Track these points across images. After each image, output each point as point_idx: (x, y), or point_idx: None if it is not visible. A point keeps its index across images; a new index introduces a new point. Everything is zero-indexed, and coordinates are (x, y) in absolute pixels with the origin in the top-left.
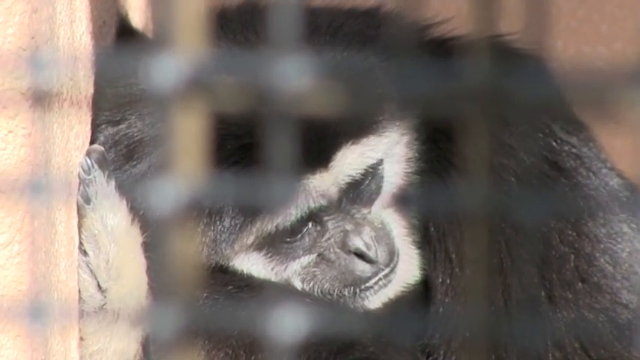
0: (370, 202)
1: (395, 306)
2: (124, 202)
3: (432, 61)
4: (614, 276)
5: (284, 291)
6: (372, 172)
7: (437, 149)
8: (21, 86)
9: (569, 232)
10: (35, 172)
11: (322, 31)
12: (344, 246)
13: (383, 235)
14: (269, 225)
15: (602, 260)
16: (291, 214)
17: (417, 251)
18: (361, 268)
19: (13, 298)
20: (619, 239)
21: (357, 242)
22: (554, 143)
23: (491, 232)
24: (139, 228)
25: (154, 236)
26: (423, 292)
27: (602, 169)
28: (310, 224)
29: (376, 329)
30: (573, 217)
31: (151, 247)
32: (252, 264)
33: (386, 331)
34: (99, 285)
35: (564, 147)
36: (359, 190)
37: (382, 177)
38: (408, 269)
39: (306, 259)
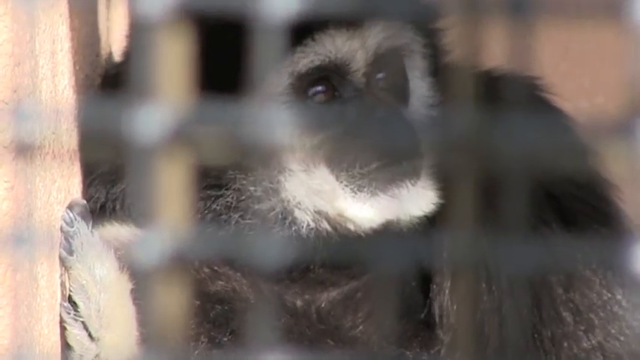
0: (396, 99)
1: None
2: (112, 250)
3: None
4: (602, 333)
5: (269, 339)
6: (397, 62)
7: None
8: (4, 139)
9: (560, 286)
10: (17, 226)
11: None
12: (371, 117)
13: (409, 125)
14: (300, 62)
15: (590, 316)
16: (319, 55)
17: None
18: (390, 138)
19: None
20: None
21: (383, 113)
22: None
23: (479, 282)
24: (128, 275)
25: (142, 284)
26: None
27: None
28: (336, 94)
29: None
30: (563, 270)
31: (141, 294)
32: (287, 118)
33: None
34: (90, 336)
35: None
36: (386, 78)
37: (407, 80)
38: (428, 186)
39: (333, 130)
